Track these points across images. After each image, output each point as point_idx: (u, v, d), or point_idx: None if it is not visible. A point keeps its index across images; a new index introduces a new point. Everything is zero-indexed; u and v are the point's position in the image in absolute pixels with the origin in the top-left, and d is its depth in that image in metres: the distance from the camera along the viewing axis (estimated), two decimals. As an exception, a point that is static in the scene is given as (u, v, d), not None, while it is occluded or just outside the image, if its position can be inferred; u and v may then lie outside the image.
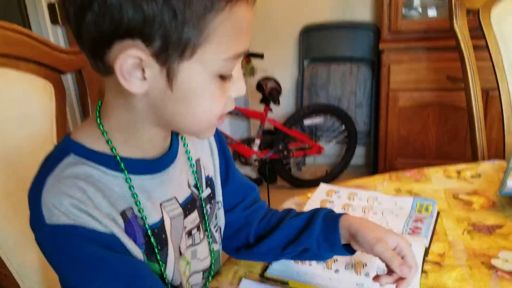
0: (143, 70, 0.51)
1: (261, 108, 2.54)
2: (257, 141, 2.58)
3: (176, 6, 0.47)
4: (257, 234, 0.78)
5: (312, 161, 2.87)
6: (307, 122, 2.64)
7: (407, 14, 2.45)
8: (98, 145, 0.57)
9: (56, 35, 2.22)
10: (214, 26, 0.49)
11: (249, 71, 2.43)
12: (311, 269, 0.79)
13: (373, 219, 0.92)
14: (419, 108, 2.41)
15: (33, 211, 0.54)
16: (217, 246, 0.76)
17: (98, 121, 0.58)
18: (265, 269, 0.80)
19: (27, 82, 0.88)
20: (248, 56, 2.40)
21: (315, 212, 0.75)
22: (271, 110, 2.56)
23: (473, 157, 1.48)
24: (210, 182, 0.73)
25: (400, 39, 2.36)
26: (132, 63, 0.50)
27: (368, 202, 0.98)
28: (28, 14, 2.18)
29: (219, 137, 0.77)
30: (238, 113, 2.51)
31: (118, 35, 0.48)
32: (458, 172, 1.11)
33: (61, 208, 0.52)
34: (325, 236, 0.71)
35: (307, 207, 0.95)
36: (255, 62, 2.42)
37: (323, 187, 1.06)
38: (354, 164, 2.82)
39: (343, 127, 2.68)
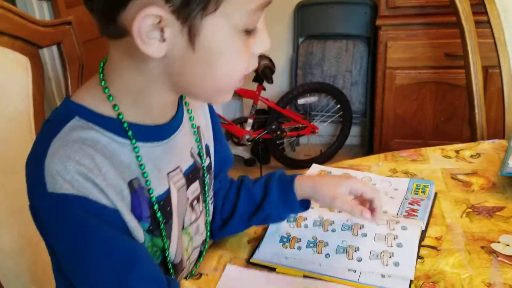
0: (161, 30, 0.47)
1: (254, 87, 2.48)
2: (250, 121, 2.52)
3: None
4: (223, 215, 0.77)
5: (306, 141, 2.82)
6: (301, 101, 2.59)
7: (405, -11, 2.37)
8: (104, 109, 0.53)
9: (42, 11, 2.14)
10: None
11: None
12: (300, 254, 0.75)
13: None
14: (416, 86, 2.36)
15: (33, 178, 0.50)
16: (209, 219, 0.74)
17: (103, 84, 0.54)
18: (251, 254, 0.76)
19: (0, 56, 0.82)
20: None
21: (269, 178, 0.76)
22: (264, 89, 2.49)
23: (472, 137, 1.43)
24: (208, 151, 0.70)
25: (398, 15, 2.30)
26: (151, 23, 0.46)
27: None
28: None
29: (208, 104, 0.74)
30: (231, 92, 2.45)
31: None
32: (457, 152, 1.07)
33: (66, 176, 0.48)
34: (283, 201, 0.73)
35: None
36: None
37: (314, 167, 1.01)
38: (349, 144, 2.77)
39: (338, 106, 2.63)
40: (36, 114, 0.90)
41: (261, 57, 2.38)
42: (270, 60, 2.41)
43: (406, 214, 0.83)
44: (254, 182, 0.77)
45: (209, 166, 0.70)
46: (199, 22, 0.47)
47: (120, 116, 0.54)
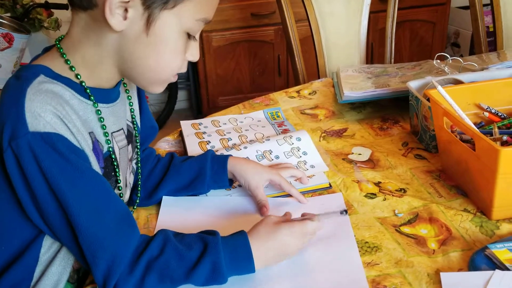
0: (125, 11, 0.57)
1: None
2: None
3: None
4: (150, 185, 0.84)
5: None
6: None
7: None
8: (65, 74, 0.62)
9: None
10: None
11: (53, 24, 2.22)
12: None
13: (249, 134, 1.02)
14: (231, 46, 2.56)
15: (11, 121, 0.54)
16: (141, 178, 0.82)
17: (65, 57, 0.62)
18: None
19: None
20: (49, 8, 2.18)
21: (203, 157, 0.85)
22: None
23: (296, 81, 1.68)
24: (135, 119, 0.78)
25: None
26: None
27: (232, 124, 1.07)
28: None
29: None
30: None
31: None
32: (298, 92, 1.27)
33: (46, 117, 0.55)
34: (214, 181, 0.84)
35: (189, 144, 0.98)
36: (59, 14, 2.22)
37: (185, 123, 1.09)
38: (179, 108, 2.87)
39: (161, 74, 2.68)
40: None
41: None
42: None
43: (282, 132, 1.03)
44: (184, 160, 0.85)
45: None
46: (158, 13, 0.59)
47: (83, 83, 0.63)
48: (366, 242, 0.72)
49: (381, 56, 2.04)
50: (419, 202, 0.81)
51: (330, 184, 0.87)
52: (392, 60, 1.69)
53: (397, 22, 1.67)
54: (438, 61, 1.28)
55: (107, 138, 0.66)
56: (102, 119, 0.65)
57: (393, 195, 0.82)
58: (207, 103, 2.66)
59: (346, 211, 0.72)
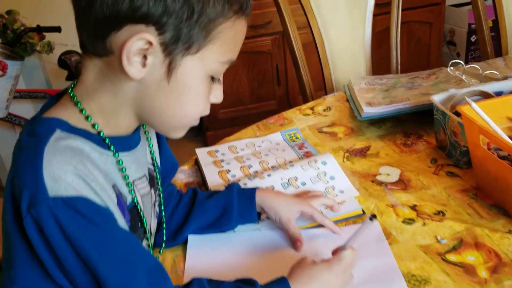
0: (144, 57, 0.53)
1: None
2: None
3: (195, 6, 0.51)
4: (174, 225, 0.79)
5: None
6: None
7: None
8: (82, 126, 0.56)
9: None
10: (219, 31, 0.54)
11: (46, 47, 2.16)
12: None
13: (270, 159, 0.98)
14: (228, 58, 2.51)
15: (29, 186, 0.49)
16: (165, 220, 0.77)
17: (79, 106, 0.57)
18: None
19: None
20: (41, 32, 2.13)
21: (228, 192, 0.80)
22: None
23: (303, 95, 1.64)
24: (155, 160, 0.74)
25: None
26: (140, 46, 0.51)
27: (250, 148, 1.03)
28: None
29: None
30: (45, 95, 2.24)
31: (134, 19, 0.50)
32: (312, 109, 1.23)
33: (67, 178, 0.50)
34: (242, 216, 0.79)
35: (208, 174, 0.94)
36: (51, 37, 2.16)
37: (200, 151, 1.05)
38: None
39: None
40: None
41: (70, 53, 2.23)
42: (80, 54, 2.27)
43: (304, 156, 0.98)
44: (208, 196, 0.80)
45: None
46: (180, 59, 0.54)
47: (101, 134, 0.57)
48: (413, 275, 0.68)
49: (380, 59, 2.01)
50: (460, 225, 0.77)
51: (363, 210, 0.82)
52: (399, 68, 1.66)
53: (390, 21, 1.64)
54: (452, 68, 1.25)
55: (130, 188, 0.61)
56: (124, 169, 0.60)
57: (432, 219, 0.78)
58: (208, 117, 2.61)
59: (374, 216, 0.68)
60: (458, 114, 0.90)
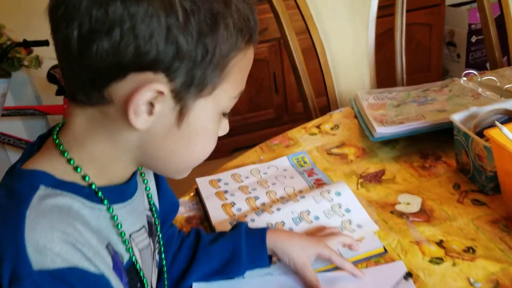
0: (151, 105, 0.45)
1: (59, 101, 2.22)
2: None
3: (209, 43, 0.44)
4: (176, 272, 0.72)
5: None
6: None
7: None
8: (70, 178, 0.49)
9: None
10: (232, 65, 0.48)
11: (34, 62, 2.07)
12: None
13: (278, 188, 0.90)
14: (224, 67, 2.44)
15: (10, 259, 0.42)
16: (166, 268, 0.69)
17: (66, 156, 0.49)
18: None
19: None
20: (28, 46, 2.04)
21: (235, 234, 0.73)
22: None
23: (303, 101, 1.56)
24: (154, 205, 0.65)
25: None
26: (148, 98, 0.44)
27: (255, 176, 0.95)
28: None
29: None
30: (35, 112, 2.15)
31: (139, 67, 0.43)
32: (318, 127, 1.15)
33: (55, 248, 0.43)
34: (252, 261, 0.72)
35: (211, 209, 0.86)
36: (39, 51, 2.08)
37: (201, 181, 0.96)
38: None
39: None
40: None
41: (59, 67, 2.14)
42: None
43: (316, 185, 0.90)
44: (213, 240, 0.73)
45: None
46: (192, 103, 0.48)
47: (93, 186, 0.49)
48: (449, 329, 0.61)
49: (380, 62, 1.93)
50: (495, 265, 0.69)
51: (385, 248, 0.74)
52: (404, 79, 1.59)
53: (394, 27, 1.57)
54: (465, 79, 1.17)
55: (128, 246, 0.53)
56: (119, 226, 0.51)
57: (463, 259, 0.71)
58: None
59: (410, 274, 0.61)
60: (481, 134, 0.83)
